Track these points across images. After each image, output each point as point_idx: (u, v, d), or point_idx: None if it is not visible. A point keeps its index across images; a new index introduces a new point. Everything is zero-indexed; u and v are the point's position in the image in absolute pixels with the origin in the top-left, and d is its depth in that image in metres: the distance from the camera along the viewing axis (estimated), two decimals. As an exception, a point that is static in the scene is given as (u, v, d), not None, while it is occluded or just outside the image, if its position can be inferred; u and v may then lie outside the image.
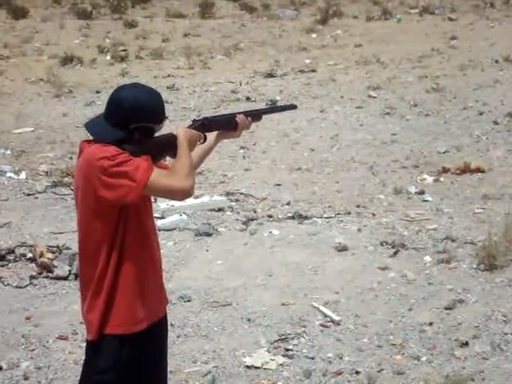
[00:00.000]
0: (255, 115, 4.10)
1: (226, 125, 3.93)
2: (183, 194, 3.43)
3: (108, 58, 20.89)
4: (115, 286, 3.47)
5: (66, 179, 10.00)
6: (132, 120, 3.44)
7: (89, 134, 3.53)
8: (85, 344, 3.70)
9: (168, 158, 3.64)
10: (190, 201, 8.64)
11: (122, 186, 3.30)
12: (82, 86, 16.81)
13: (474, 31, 23.31)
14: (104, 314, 3.48)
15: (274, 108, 4.38)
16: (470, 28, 23.99)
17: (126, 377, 3.53)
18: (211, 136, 3.90)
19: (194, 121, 3.82)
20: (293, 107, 4.44)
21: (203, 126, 3.79)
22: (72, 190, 9.24)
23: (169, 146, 3.56)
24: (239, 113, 4.00)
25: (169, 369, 5.07)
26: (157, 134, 3.57)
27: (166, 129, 3.62)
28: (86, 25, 27.19)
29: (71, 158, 11.14)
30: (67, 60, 19.87)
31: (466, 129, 12.32)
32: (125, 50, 21.69)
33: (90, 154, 3.39)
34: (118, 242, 3.44)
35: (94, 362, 3.55)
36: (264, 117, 4.23)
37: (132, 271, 3.48)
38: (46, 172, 10.61)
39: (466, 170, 10.07)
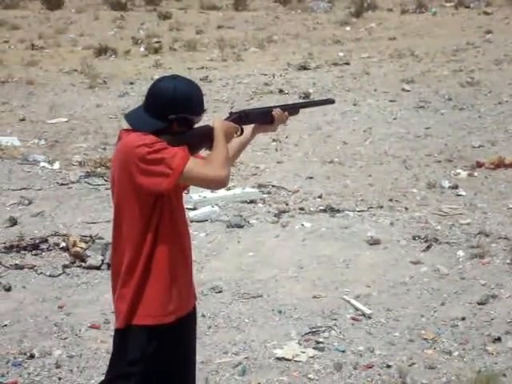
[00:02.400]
0: (292, 109, 4.08)
1: (263, 118, 3.93)
2: (218, 183, 3.45)
3: (142, 49, 20.95)
4: (146, 276, 3.48)
5: (100, 169, 10.06)
6: (171, 111, 3.45)
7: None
8: (115, 333, 3.72)
9: (204, 149, 3.65)
10: (221, 192, 8.65)
11: (158, 173, 3.33)
12: (115, 77, 16.88)
13: (509, 25, 23.09)
14: (133, 303, 3.49)
15: (311, 102, 4.37)
16: (505, 22, 23.75)
17: (154, 369, 3.53)
18: (248, 129, 3.90)
19: (231, 113, 3.83)
20: (330, 102, 4.41)
21: (240, 118, 3.80)
22: (106, 180, 9.30)
23: (205, 137, 3.58)
24: (276, 106, 3.99)
25: (200, 359, 5.10)
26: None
27: (201, 121, 3.62)
28: (120, 16, 27.29)
29: (104, 149, 11.21)
30: (101, 51, 19.97)
31: (501, 123, 12.21)
32: (159, 42, 21.73)
33: (128, 141, 3.42)
34: (151, 233, 3.46)
35: (123, 354, 3.55)
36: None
37: (164, 263, 3.49)
38: (80, 162, 10.67)
39: (500, 164, 9.99)
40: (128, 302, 3.50)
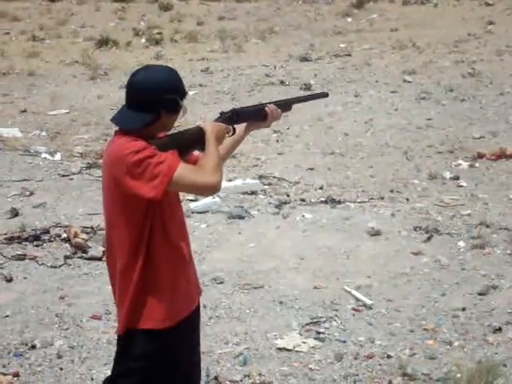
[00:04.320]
0: (284, 105, 4.02)
1: (255, 116, 3.88)
2: (209, 190, 3.42)
3: (143, 40, 20.92)
4: (143, 283, 3.45)
5: (101, 161, 10.03)
6: (155, 99, 3.39)
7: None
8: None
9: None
10: (223, 183, 8.62)
11: (146, 180, 3.27)
12: (116, 69, 16.87)
13: (511, 16, 23.03)
14: (132, 309, 3.47)
15: (304, 97, 4.32)
16: (506, 13, 23.70)
17: (157, 367, 3.53)
18: (240, 127, 3.85)
19: (222, 113, 3.76)
20: (324, 95, 4.35)
21: (231, 118, 3.74)
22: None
23: (196, 139, 3.52)
24: (269, 103, 3.94)
25: (201, 350, 5.12)
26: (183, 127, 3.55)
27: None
28: (121, 7, 27.26)
29: (106, 140, 11.19)
30: (102, 42, 19.94)
31: (502, 114, 12.20)
32: (160, 33, 21.70)
33: (117, 148, 3.37)
34: (144, 240, 3.42)
35: (127, 352, 3.55)
36: (297, 106, 4.17)
37: (161, 269, 3.46)
38: (81, 153, 10.68)
39: (501, 155, 9.99)
40: (126, 308, 3.48)
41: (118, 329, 3.56)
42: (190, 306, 3.65)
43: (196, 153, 3.66)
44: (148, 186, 3.29)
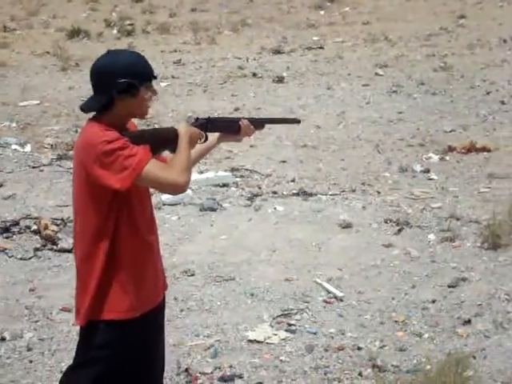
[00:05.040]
0: (258, 123, 4.06)
1: (229, 128, 3.92)
2: (175, 188, 3.41)
3: (115, 31, 20.83)
4: (107, 273, 3.44)
5: (71, 152, 9.98)
6: (105, 81, 3.40)
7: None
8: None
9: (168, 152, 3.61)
10: (194, 176, 8.64)
11: (115, 171, 3.28)
12: (88, 60, 16.70)
13: (482, 10, 23.17)
14: (95, 299, 3.46)
15: (277, 119, 4.38)
16: (478, 7, 23.83)
17: (121, 355, 3.52)
18: (212, 137, 3.88)
19: (197, 119, 3.80)
20: (297, 121, 4.37)
21: (205, 125, 3.78)
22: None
23: (169, 139, 3.53)
24: (243, 118, 3.96)
25: (172, 342, 5.12)
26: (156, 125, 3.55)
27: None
28: (93, -2, 27.12)
29: (76, 132, 11.13)
30: (74, 33, 19.83)
31: (473, 108, 12.28)
32: (131, 25, 21.61)
33: (91, 135, 3.37)
34: (109, 230, 3.42)
35: (89, 341, 3.54)
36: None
37: (126, 259, 3.46)
38: (52, 145, 10.61)
39: (471, 149, 10.05)
40: (89, 298, 3.47)
41: (79, 318, 3.55)
42: (155, 299, 3.66)
43: (166, 154, 3.65)
44: (115, 178, 3.29)
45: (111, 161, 3.28)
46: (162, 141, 3.54)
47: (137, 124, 3.74)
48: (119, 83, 3.40)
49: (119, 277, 3.47)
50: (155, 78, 3.53)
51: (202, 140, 3.74)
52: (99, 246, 3.43)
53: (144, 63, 3.50)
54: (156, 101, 3.57)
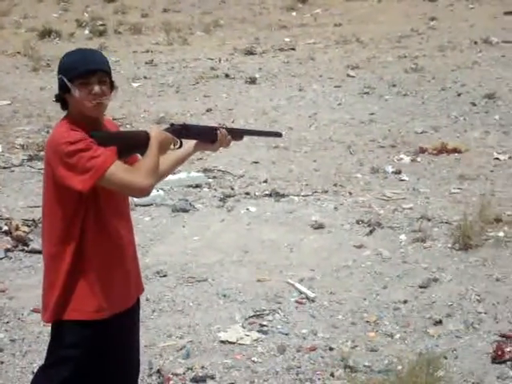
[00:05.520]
0: (236, 133, 3.96)
1: (205, 136, 3.82)
2: (138, 192, 3.39)
3: (86, 32, 20.73)
4: (74, 273, 3.44)
5: (43, 153, 9.84)
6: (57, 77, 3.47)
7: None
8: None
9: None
10: (168, 177, 8.60)
11: (78, 172, 3.27)
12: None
13: (453, 12, 23.30)
14: (62, 298, 3.46)
15: (257, 131, 4.32)
16: (449, 9, 23.97)
17: (91, 356, 3.51)
18: (188, 144, 3.80)
19: (172, 124, 3.73)
20: (278, 135, 4.32)
21: (180, 131, 3.70)
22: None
23: (138, 143, 3.47)
24: (221, 127, 3.90)
25: (144, 343, 5.10)
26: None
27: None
28: (64, -2, 26.97)
29: (48, 132, 11.07)
30: (45, 33, 19.72)
31: (444, 109, 12.36)
32: (103, 25, 21.52)
33: (57, 135, 3.37)
34: (75, 230, 3.40)
35: (59, 341, 3.54)
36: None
37: (94, 260, 3.44)
38: (23, 145, 10.55)
39: (442, 150, 10.12)
40: (56, 296, 3.47)
41: (46, 315, 3.55)
42: (127, 302, 3.64)
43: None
44: (78, 179, 3.28)
45: (74, 162, 3.27)
46: (131, 144, 3.49)
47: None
48: (58, 80, 3.44)
49: (87, 278, 3.45)
50: (91, 72, 3.40)
51: (176, 146, 3.69)
52: (65, 247, 3.42)
53: (80, 60, 3.44)
54: (108, 101, 3.46)
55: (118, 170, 3.30)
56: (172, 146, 3.66)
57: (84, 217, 3.41)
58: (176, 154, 3.76)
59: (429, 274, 6.57)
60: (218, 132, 3.82)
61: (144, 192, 3.39)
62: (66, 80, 3.39)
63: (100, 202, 3.44)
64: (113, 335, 3.56)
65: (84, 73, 3.39)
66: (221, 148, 3.93)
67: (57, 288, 3.47)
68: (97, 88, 3.40)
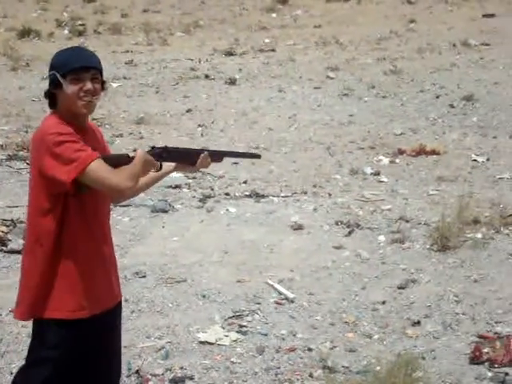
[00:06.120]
0: (217, 155, 3.98)
1: (185, 159, 3.84)
2: (119, 192, 3.39)
3: (66, 32, 20.68)
4: (53, 270, 3.43)
5: (22, 153, 9.91)
6: (48, 74, 3.48)
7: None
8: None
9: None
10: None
11: (63, 162, 3.27)
12: (39, 60, 16.60)
13: (432, 15, 23.45)
14: (40, 298, 3.45)
15: (236, 153, 4.35)
16: (428, 11, 24.11)
17: (72, 356, 3.49)
18: (168, 164, 3.82)
19: (153, 148, 3.73)
20: (257, 156, 4.36)
21: (161, 154, 3.70)
22: (28, 163, 9.17)
23: (118, 165, 3.44)
24: (201, 149, 3.91)
25: (122, 344, 5.08)
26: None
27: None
28: (44, -2, 26.87)
29: (27, 132, 11.04)
30: (24, 33, 19.66)
31: (423, 111, 12.43)
32: (83, 25, 21.48)
33: (47, 127, 3.38)
34: (56, 227, 3.40)
35: (39, 341, 3.53)
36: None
37: (74, 257, 3.44)
38: (1, 145, 10.49)
39: (421, 152, 10.17)
40: (33, 293, 3.46)
41: (19, 312, 3.55)
42: (109, 303, 3.63)
43: None
44: (62, 169, 3.28)
45: (60, 151, 3.28)
46: (112, 164, 3.43)
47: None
48: (49, 75, 3.44)
49: (66, 276, 3.44)
50: (83, 69, 3.40)
51: (156, 170, 3.71)
52: (42, 246, 3.42)
53: (74, 56, 3.46)
54: (97, 100, 3.47)
55: (101, 167, 3.31)
56: (153, 169, 3.67)
57: (64, 213, 3.40)
58: (154, 174, 3.80)
59: (407, 274, 6.60)
60: (202, 155, 3.82)
61: (123, 192, 3.41)
62: (58, 75, 3.39)
63: (87, 206, 3.44)
64: (93, 336, 3.55)
65: (78, 68, 3.40)
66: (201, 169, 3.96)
67: (33, 285, 3.45)
68: (89, 85, 3.41)
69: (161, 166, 3.73)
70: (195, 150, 3.90)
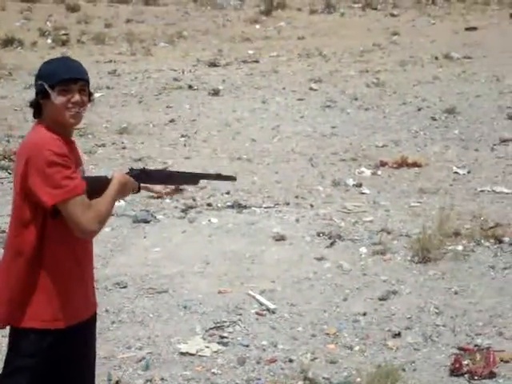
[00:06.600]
0: (193, 178, 4.02)
1: (163, 180, 3.87)
2: (82, 232, 3.35)
3: (49, 41, 20.66)
4: (30, 280, 3.41)
5: (3, 162, 9.87)
6: (34, 84, 3.47)
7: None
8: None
9: None
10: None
11: (50, 185, 3.25)
12: (21, 69, 16.60)
13: (415, 28, 23.57)
14: (17, 306, 3.42)
15: (213, 175, 4.37)
16: (411, 24, 24.25)
17: (48, 366, 3.48)
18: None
19: (131, 170, 3.74)
20: (232, 179, 4.37)
21: (139, 176, 3.71)
22: (9, 173, 9.15)
23: (97, 188, 3.43)
24: (178, 172, 3.94)
25: (103, 354, 5.08)
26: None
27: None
28: (27, 7, 26.80)
29: (8, 141, 11.00)
30: (7, 42, 19.63)
31: (405, 124, 12.48)
32: (66, 34, 21.46)
33: (40, 139, 3.33)
34: (35, 238, 3.38)
35: (15, 350, 3.51)
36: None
37: (52, 267, 3.41)
38: (-17, 155, 10.46)
39: (403, 164, 10.21)
40: (8, 300, 3.44)
41: None
42: (85, 314, 3.61)
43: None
44: (46, 190, 3.26)
45: (51, 173, 3.25)
46: (90, 187, 3.40)
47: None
48: (36, 85, 3.43)
49: (44, 289, 3.42)
50: (71, 81, 3.39)
51: (135, 191, 3.70)
52: (23, 256, 3.39)
53: (63, 67, 3.45)
54: (84, 112, 3.46)
55: (81, 204, 3.29)
56: (132, 191, 3.67)
57: (44, 225, 3.39)
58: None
59: (388, 286, 6.62)
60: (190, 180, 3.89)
61: (86, 235, 3.39)
62: (46, 86, 3.38)
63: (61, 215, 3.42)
64: (69, 346, 3.54)
65: (67, 80, 3.39)
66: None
67: (11, 295, 3.43)
68: (77, 96, 3.41)
69: (139, 187, 3.72)
70: (171, 172, 3.95)
